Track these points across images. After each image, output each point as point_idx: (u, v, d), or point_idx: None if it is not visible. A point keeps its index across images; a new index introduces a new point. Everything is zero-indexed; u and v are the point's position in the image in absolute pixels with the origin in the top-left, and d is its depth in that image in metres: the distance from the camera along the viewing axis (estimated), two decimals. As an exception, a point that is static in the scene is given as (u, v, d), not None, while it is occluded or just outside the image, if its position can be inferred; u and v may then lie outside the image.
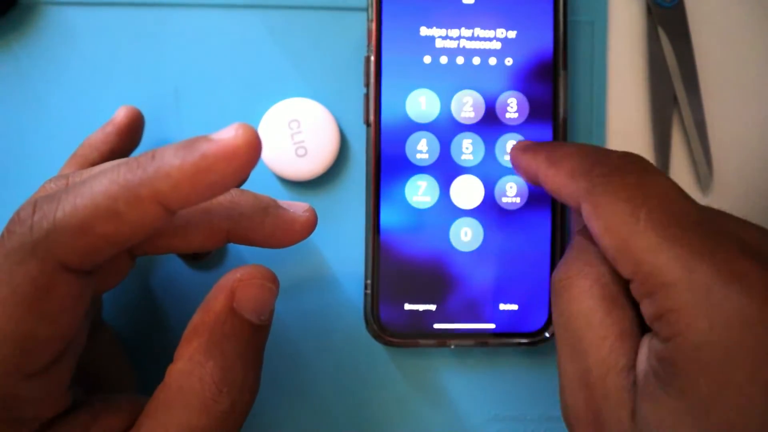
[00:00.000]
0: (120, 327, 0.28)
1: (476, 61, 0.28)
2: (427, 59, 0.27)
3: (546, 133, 0.28)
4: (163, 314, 0.29)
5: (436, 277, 0.28)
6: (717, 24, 0.30)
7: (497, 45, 0.28)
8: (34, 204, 0.17)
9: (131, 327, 0.28)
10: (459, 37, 0.27)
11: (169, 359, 0.20)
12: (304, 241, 0.29)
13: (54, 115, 0.28)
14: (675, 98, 0.29)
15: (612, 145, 0.30)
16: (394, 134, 0.28)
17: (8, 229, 0.17)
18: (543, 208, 0.28)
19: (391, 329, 0.28)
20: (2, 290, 0.17)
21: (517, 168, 0.25)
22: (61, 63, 0.28)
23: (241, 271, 0.21)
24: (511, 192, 0.28)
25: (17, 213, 0.18)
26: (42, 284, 0.17)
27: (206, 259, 0.28)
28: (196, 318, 0.20)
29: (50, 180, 0.21)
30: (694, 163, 0.30)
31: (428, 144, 0.28)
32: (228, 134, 0.17)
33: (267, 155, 0.28)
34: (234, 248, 0.29)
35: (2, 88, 0.28)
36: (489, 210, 0.28)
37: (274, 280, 0.21)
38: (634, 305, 0.20)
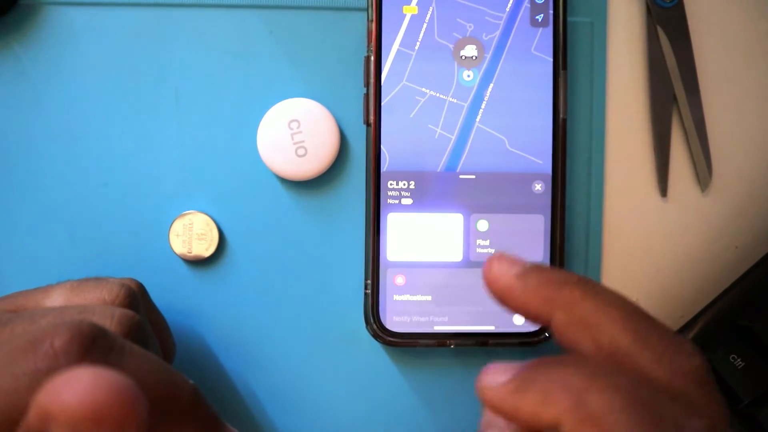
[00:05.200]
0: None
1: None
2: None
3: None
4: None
5: (436, 277, 0.28)
6: (717, 24, 0.30)
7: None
8: None
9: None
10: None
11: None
12: (304, 240, 0.29)
13: (54, 115, 0.28)
14: (674, 98, 0.30)
15: (612, 144, 0.30)
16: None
17: None
18: (542, 209, 0.28)
19: (390, 329, 0.28)
20: None
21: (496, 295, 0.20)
22: (61, 63, 0.28)
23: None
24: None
25: None
26: None
27: (206, 258, 0.28)
28: None
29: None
30: (693, 163, 0.30)
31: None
32: None
33: (267, 155, 0.28)
34: (234, 247, 0.29)
35: (2, 88, 0.28)
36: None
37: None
38: None
